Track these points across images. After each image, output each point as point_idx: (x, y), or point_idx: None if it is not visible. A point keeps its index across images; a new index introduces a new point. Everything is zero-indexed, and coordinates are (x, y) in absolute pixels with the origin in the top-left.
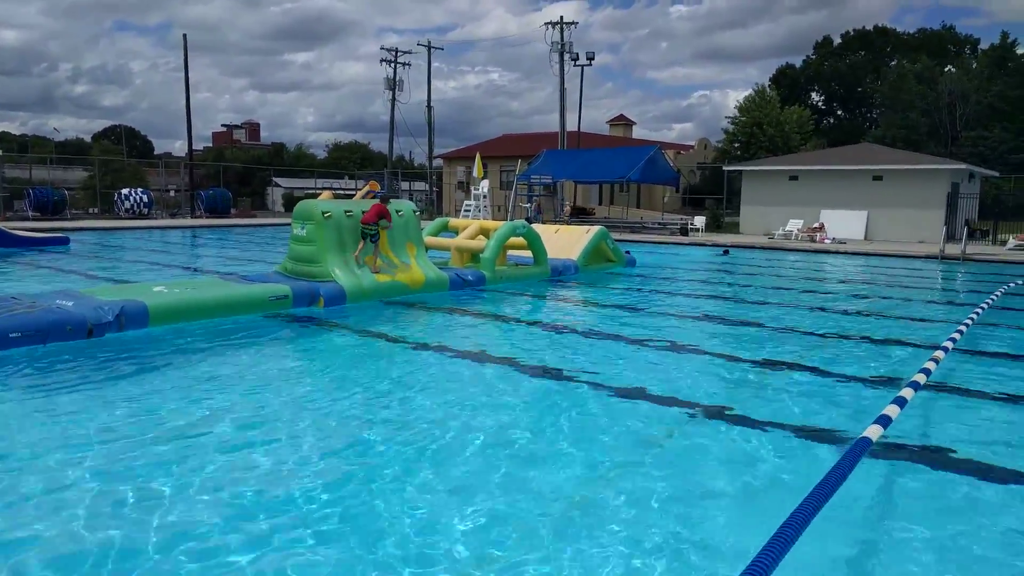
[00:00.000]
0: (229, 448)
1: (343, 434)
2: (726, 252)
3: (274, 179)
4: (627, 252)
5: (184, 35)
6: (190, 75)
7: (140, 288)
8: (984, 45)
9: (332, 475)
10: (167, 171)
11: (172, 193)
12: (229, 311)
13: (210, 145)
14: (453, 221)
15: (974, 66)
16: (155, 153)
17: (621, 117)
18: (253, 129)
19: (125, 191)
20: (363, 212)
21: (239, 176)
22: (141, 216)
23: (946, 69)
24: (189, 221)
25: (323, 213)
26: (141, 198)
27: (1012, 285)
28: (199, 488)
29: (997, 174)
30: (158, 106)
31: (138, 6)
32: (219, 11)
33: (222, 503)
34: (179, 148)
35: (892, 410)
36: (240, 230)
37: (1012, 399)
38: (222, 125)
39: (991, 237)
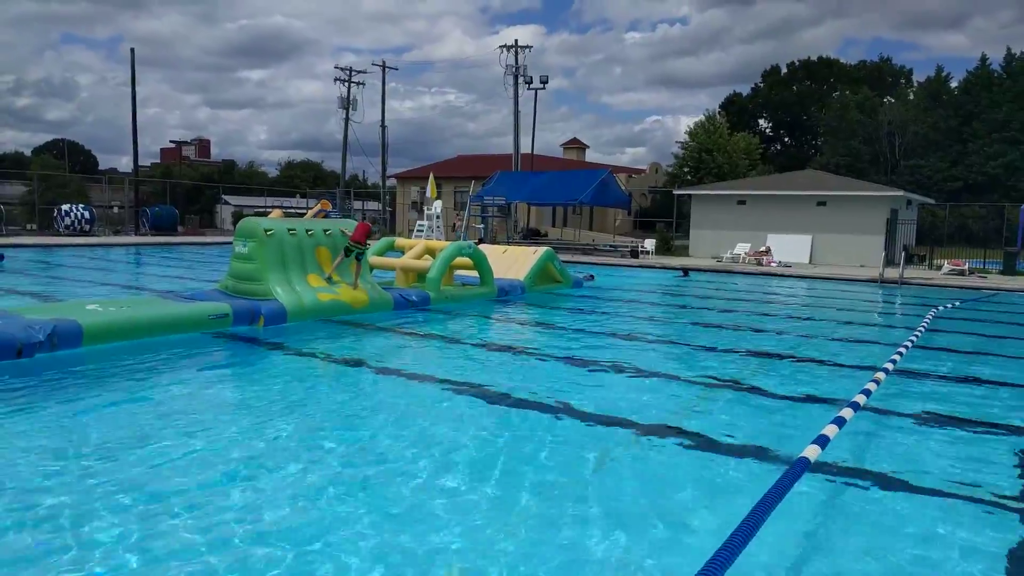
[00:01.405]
0: (149, 470)
1: (271, 455)
2: (685, 274)
3: (224, 197)
4: (591, 276)
5: (132, 49)
6: (139, 90)
7: (73, 306)
8: (920, 77)
9: (260, 497)
10: (111, 187)
11: (116, 210)
12: (167, 330)
13: (158, 161)
14: (399, 241)
15: (911, 98)
16: (100, 169)
17: (575, 140)
18: (203, 146)
19: (66, 207)
20: (343, 232)
21: (187, 193)
22: (82, 233)
23: (885, 100)
24: (133, 239)
25: (265, 231)
26: (83, 214)
27: (941, 308)
28: (113, 509)
29: (933, 201)
30: (105, 121)
31: (87, 19)
32: (172, 26)
33: (134, 519)
34: (125, 164)
35: (831, 430)
36: (187, 248)
37: (941, 419)
38: (171, 141)
39: (928, 262)
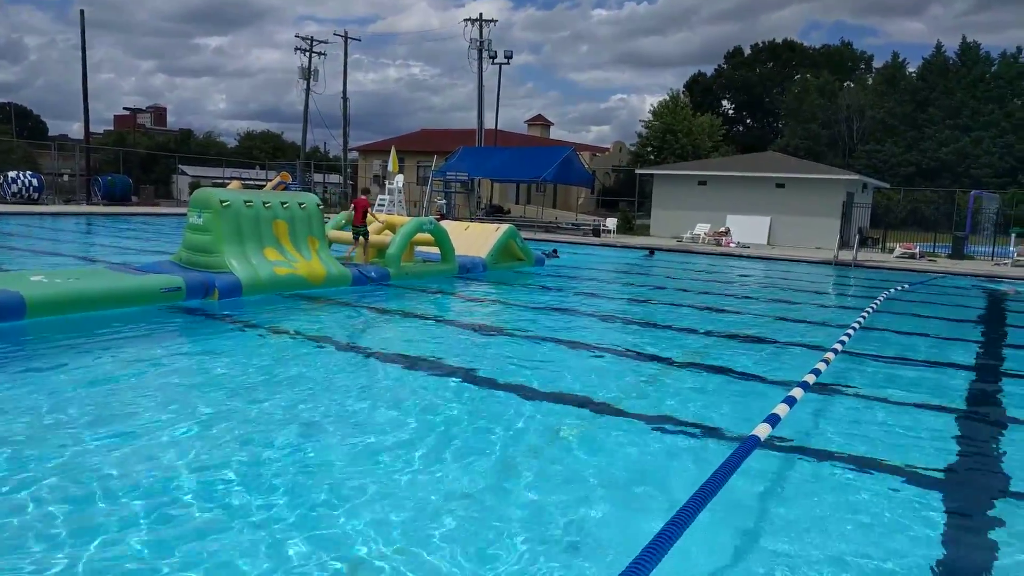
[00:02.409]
0: (93, 446)
1: (222, 434)
2: (651, 254)
3: (180, 167)
4: (554, 252)
5: (81, 11)
6: (92, 54)
7: (16, 277)
8: (878, 63)
9: (211, 474)
10: (61, 154)
11: (66, 178)
12: (117, 303)
13: (111, 129)
14: None
15: (869, 82)
16: (49, 135)
17: (539, 117)
18: (159, 114)
19: (12, 174)
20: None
21: (142, 162)
22: (30, 201)
23: (845, 84)
24: (84, 208)
25: (221, 201)
26: (30, 182)
27: (893, 291)
28: (51, 484)
29: (888, 185)
30: (54, 85)
31: None
32: None
33: (76, 497)
34: (76, 131)
35: (781, 409)
36: (141, 219)
37: (888, 399)
38: (124, 108)
39: (881, 245)
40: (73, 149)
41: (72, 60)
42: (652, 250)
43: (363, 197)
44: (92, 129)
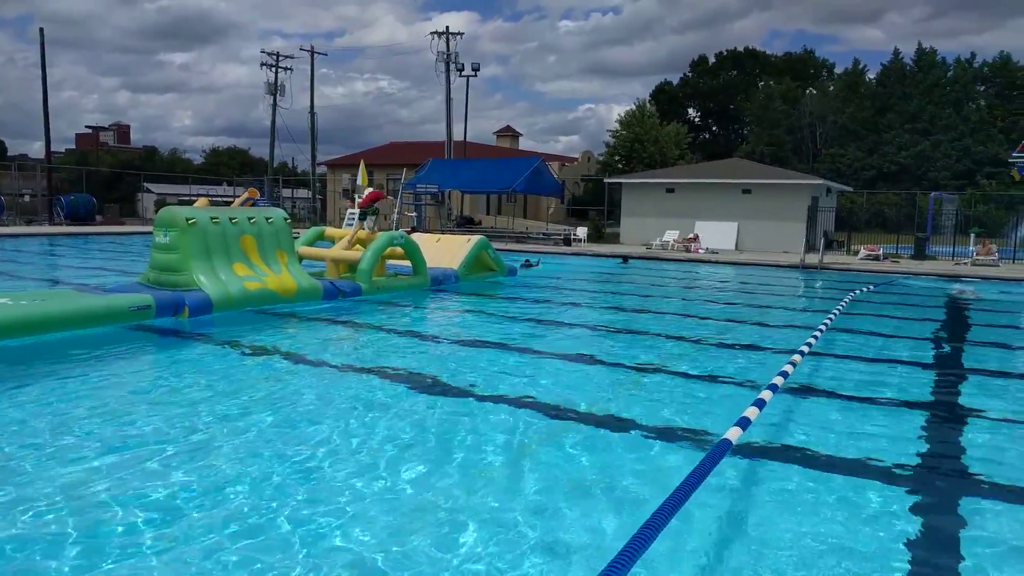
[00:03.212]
0: (61, 469)
1: (192, 452)
2: (625, 261)
3: (145, 185)
4: (537, 262)
5: (41, 29)
6: (53, 72)
7: None
8: (839, 70)
9: (177, 494)
10: (21, 174)
11: (27, 198)
12: (85, 323)
13: (73, 147)
14: (329, 231)
15: (831, 89)
16: (9, 155)
17: (508, 128)
18: (123, 131)
19: None
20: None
21: (106, 181)
22: None
23: (807, 91)
24: (47, 229)
25: (187, 219)
26: None
27: (857, 292)
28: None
29: (851, 189)
30: (14, 104)
31: None
32: (88, 5)
33: (43, 521)
34: (37, 150)
35: (751, 412)
36: (106, 238)
37: (853, 398)
38: (87, 127)
39: (846, 247)
40: (34, 169)
41: (32, 79)
42: (626, 257)
43: (378, 191)
44: (54, 148)
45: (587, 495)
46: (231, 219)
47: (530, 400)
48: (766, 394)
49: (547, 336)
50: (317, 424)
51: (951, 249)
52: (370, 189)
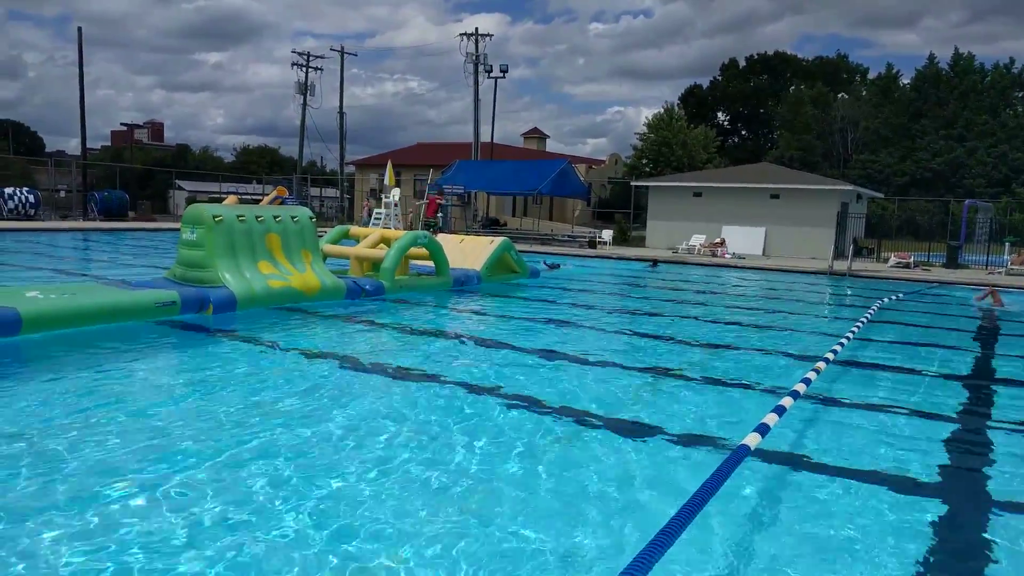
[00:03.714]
0: (83, 465)
1: (217, 445)
2: (654, 265)
3: (177, 182)
4: (558, 265)
5: (79, 28)
6: (91, 71)
7: (11, 293)
8: (872, 75)
9: (198, 490)
10: (58, 170)
11: (63, 194)
12: (112, 318)
13: (108, 144)
14: (354, 229)
15: (864, 94)
16: (47, 151)
17: (535, 130)
18: (156, 129)
19: (9, 190)
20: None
21: (139, 178)
22: (27, 217)
23: (839, 95)
24: (81, 224)
25: (213, 217)
26: (27, 198)
27: (885, 300)
28: (54, 505)
29: (882, 195)
30: (53, 102)
31: None
32: (125, 5)
33: (77, 516)
34: (74, 147)
35: (771, 418)
36: (137, 234)
37: (879, 407)
38: (121, 124)
39: (876, 255)
40: (70, 165)
41: (70, 77)
42: (656, 261)
43: (435, 196)
44: (89, 145)
45: (604, 498)
46: (257, 217)
47: (545, 402)
48: (787, 401)
49: (563, 336)
50: (330, 422)
51: (984, 258)
52: (431, 195)
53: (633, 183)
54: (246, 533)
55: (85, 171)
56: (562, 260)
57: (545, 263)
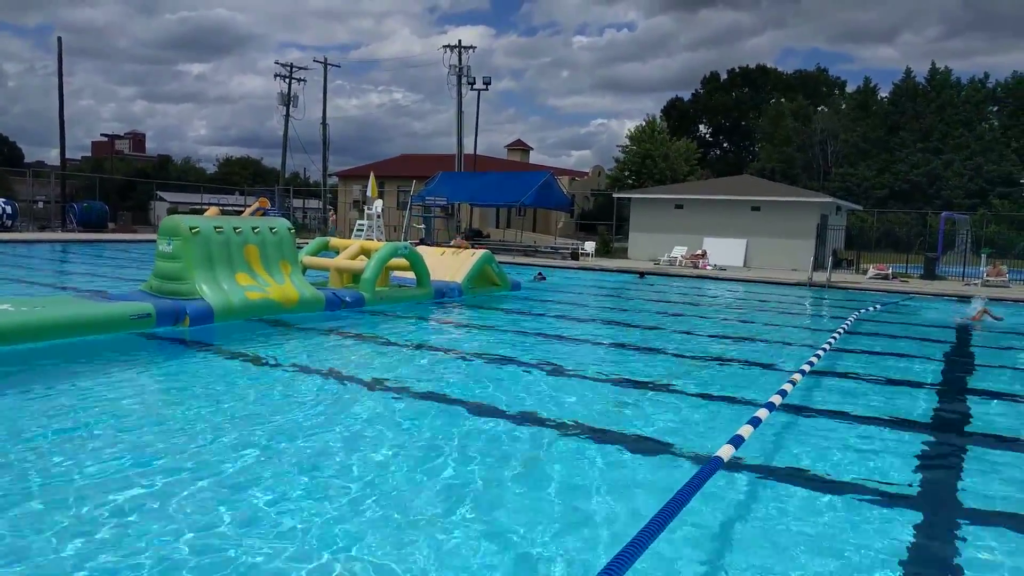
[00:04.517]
0: (51, 476)
1: (189, 460)
2: (642, 277)
3: (158, 193)
4: (540, 276)
5: (59, 37)
6: (72, 81)
7: None
8: (851, 88)
9: (173, 506)
10: (37, 180)
11: (41, 205)
12: (86, 331)
13: (89, 155)
14: (334, 241)
15: (843, 107)
16: (26, 161)
17: (519, 142)
18: (138, 140)
19: None
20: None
21: (120, 189)
22: (3, 228)
23: (819, 109)
24: (60, 235)
25: (190, 228)
26: (4, 209)
27: (863, 311)
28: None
29: (861, 207)
30: (33, 112)
31: (16, 5)
32: (107, 15)
33: (47, 525)
34: (54, 157)
35: (746, 430)
36: (117, 246)
37: (857, 418)
38: (102, 135)
39: (855, 266)
40: (49, 176)
41: (51, 87)
42: (643, 273)
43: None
44: (69, 155)
45: (579, 510)
46: (235, 228)
47: (521, 413)
48: (762, 412)
49: (542, 349)
50: (307, 435)
51: (961, 269)
52: (457, 239)
53: (616, 195)
54: (217, 552)
55: (64, 182)
56: (547, 272)
57: (541, 273)
